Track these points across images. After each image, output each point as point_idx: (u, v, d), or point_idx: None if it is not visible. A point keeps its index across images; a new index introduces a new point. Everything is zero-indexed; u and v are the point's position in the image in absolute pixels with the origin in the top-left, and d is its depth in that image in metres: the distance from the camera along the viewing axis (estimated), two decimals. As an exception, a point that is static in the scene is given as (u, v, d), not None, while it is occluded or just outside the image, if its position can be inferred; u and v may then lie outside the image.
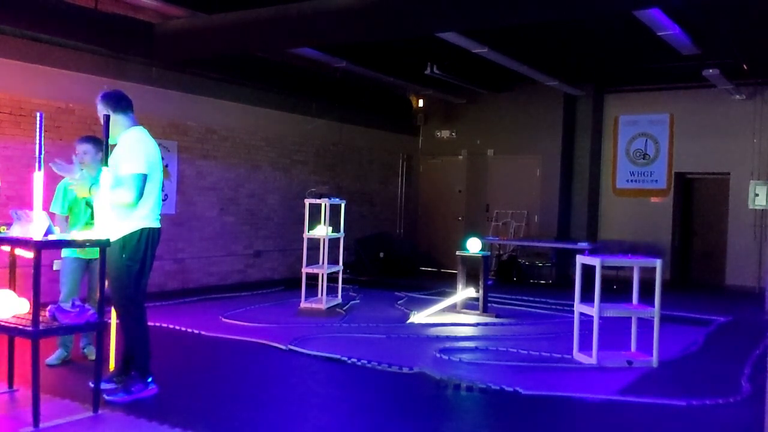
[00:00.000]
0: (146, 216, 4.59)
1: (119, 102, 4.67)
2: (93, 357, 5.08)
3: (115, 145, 4.65)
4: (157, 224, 4.69)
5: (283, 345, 6.41)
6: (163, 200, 5.07)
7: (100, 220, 4.50)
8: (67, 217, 5.41)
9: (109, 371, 4.92)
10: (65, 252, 5.37)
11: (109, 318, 5.03)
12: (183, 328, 7.02)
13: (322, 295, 8.73)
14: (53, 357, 5.42)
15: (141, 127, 4.74)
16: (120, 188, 4.43)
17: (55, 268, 5.47)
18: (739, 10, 8.41)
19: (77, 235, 4.52)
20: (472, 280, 8.76)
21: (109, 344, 5.22)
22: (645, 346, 6.27)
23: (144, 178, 4.50)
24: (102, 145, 4.47)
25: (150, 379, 4.68)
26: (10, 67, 7.84)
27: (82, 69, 8.51)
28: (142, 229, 4.56)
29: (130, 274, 4.55)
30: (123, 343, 4.81)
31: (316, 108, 12.07)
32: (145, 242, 4.57)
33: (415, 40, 9.76)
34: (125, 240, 4.51)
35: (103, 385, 4.48)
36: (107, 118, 4.41)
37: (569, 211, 13.31)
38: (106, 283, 4.46)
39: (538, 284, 12.34)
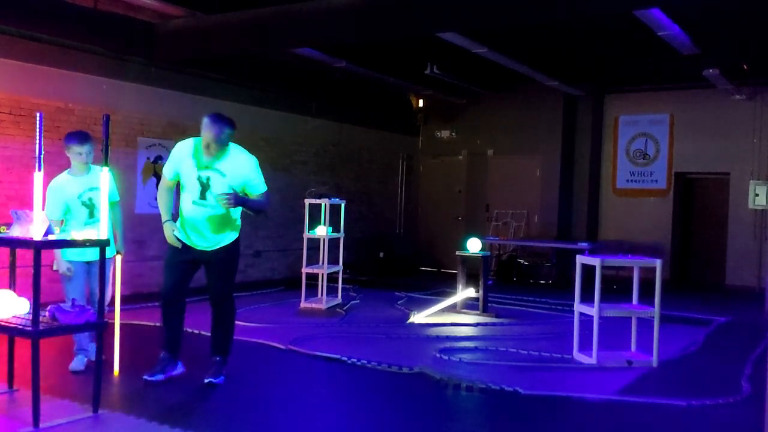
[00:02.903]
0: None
1: None
2: (93, 357, 5.07)
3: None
4: None
5: (283, 345, 6.41)
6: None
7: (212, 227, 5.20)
8: (61, 222, 5.31)
9: (113, 373, 4.92)
10: (68, 257, 5.29)
11: (112, 318, 5.02)
12: (183, 328, 6.99)
13: (322, 295, 8.73)
14: (75, 363, 5.30)
15: None
16: (266, 202, 5.37)
17: (54, 268, 5.43)
18: (739, 10, 8.41)
19: (77, 235, 4.50)
20: (472, 280, 8.76)
21: (112, 344, 5.22)
22: (645, 346, 6.27)
23: None
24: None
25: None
26: (10, 67, 7.84)
27: (82, 69, 8.50)
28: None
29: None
30: (218, 333, 5.22)
31: (316, 108, 12.06)
32: None
33: (415, 40, 9.76)
34: (239, 241, 5.37)
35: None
36: (107, 117, 4.41)
37: (569, 211, 13.30)
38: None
39: (538, 284, 12.33)
